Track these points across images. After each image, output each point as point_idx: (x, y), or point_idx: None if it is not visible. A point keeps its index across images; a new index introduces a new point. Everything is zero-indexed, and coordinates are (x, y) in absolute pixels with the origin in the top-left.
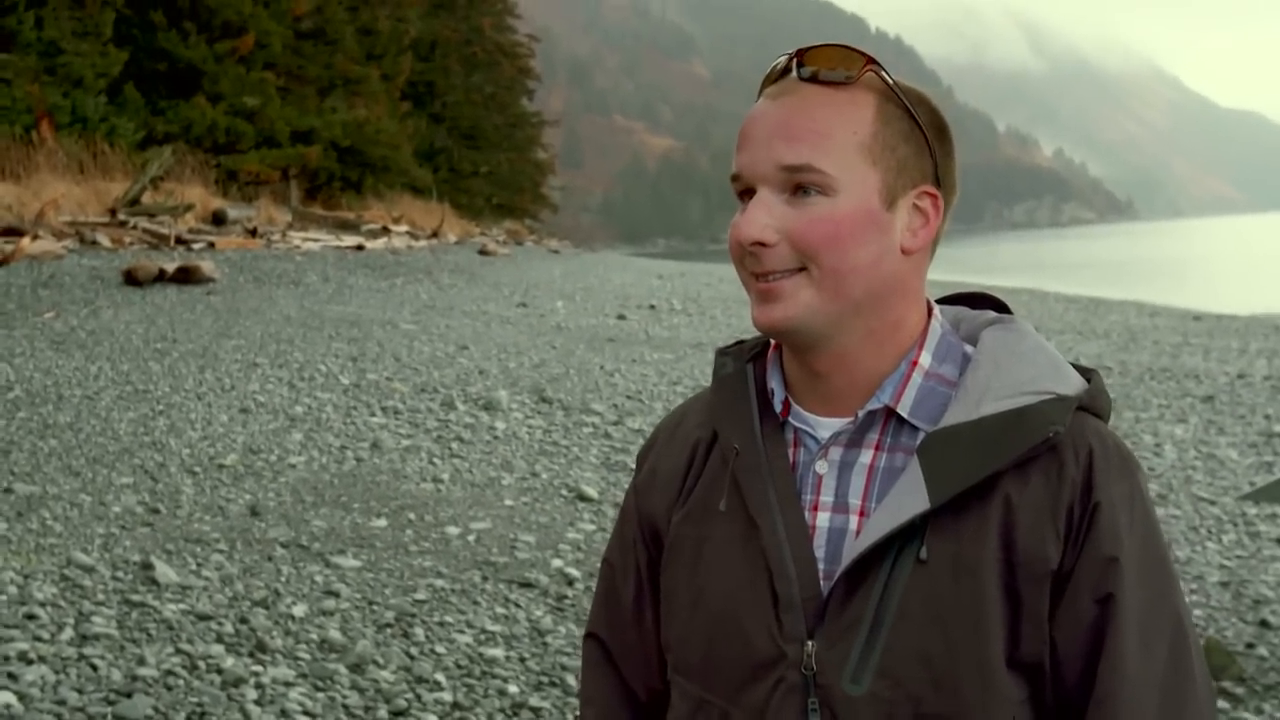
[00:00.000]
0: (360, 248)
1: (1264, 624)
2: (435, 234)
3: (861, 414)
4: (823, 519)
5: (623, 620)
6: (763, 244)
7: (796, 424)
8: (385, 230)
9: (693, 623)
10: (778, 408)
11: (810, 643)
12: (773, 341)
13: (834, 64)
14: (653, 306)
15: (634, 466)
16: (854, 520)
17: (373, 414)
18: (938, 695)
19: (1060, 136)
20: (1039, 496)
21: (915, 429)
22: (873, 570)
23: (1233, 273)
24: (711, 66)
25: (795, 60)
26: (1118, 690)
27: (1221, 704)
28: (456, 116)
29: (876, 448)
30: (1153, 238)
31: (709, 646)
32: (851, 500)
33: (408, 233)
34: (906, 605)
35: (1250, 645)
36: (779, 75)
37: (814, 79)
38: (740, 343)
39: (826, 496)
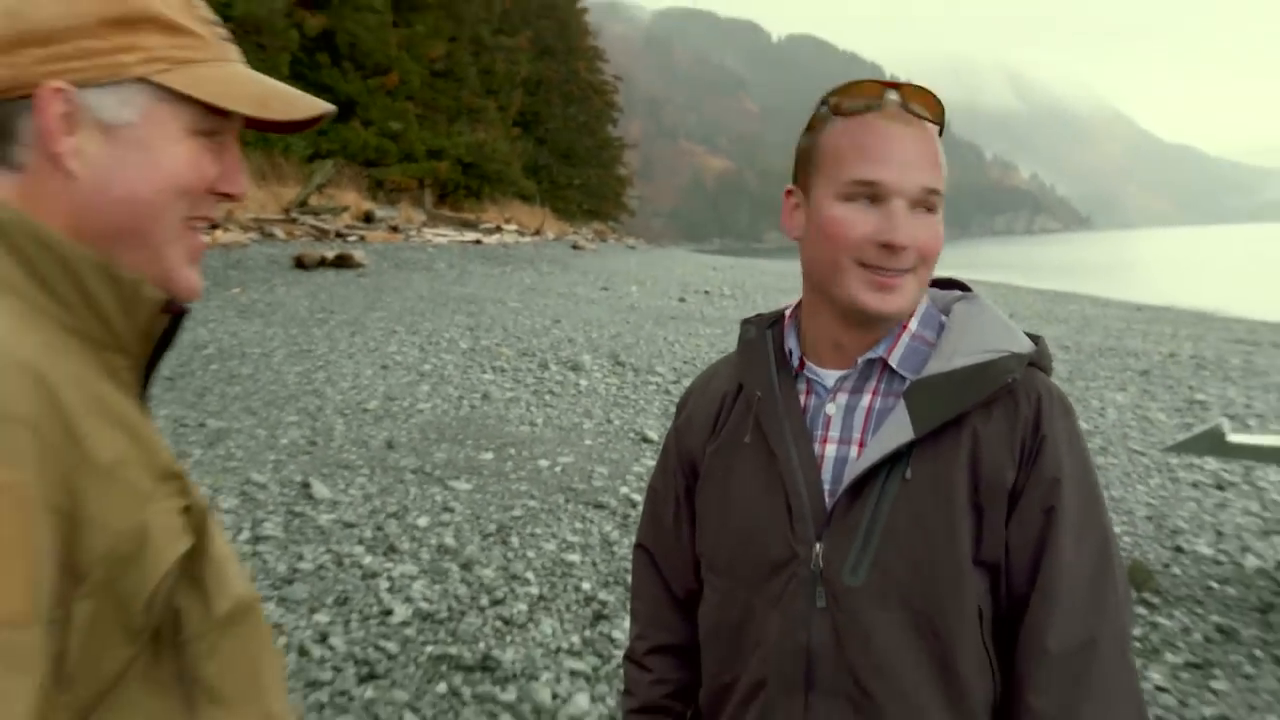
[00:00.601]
0: (478, 242)
1: (1178, 549)
2: (538, 232)
3: (861, 361)
4: (830, 450)
5: (665, 534)
6: (905, 248)
7: (810, 376)
8: (498, 229)
9: (722, 532)
10: (794, 363)
11: (818, 545)
12: (788, 312)
13: (933, 109)
14: (707, 292)
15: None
16: (854, 450)
17: (484, 372)
18: (920, 586)
19: (1035, 163)
20: (999, 430)
21: (904, 379)
22: (869, 487)
23: (1170, 273)
24: (759, 102)
25: (900, 96)
26: (1056, 580)
27: (1142, 610)
28: (556, 140)
29: (874, 393)
30: (1107, 245)
31: (736, 550)
32: (854, 435)
33: (516, 231)
34: (895, 514)
35: (1166, 565)
36: (879, 101)
37: (915, 114)
38: (759, 315)
39: (834, 432)
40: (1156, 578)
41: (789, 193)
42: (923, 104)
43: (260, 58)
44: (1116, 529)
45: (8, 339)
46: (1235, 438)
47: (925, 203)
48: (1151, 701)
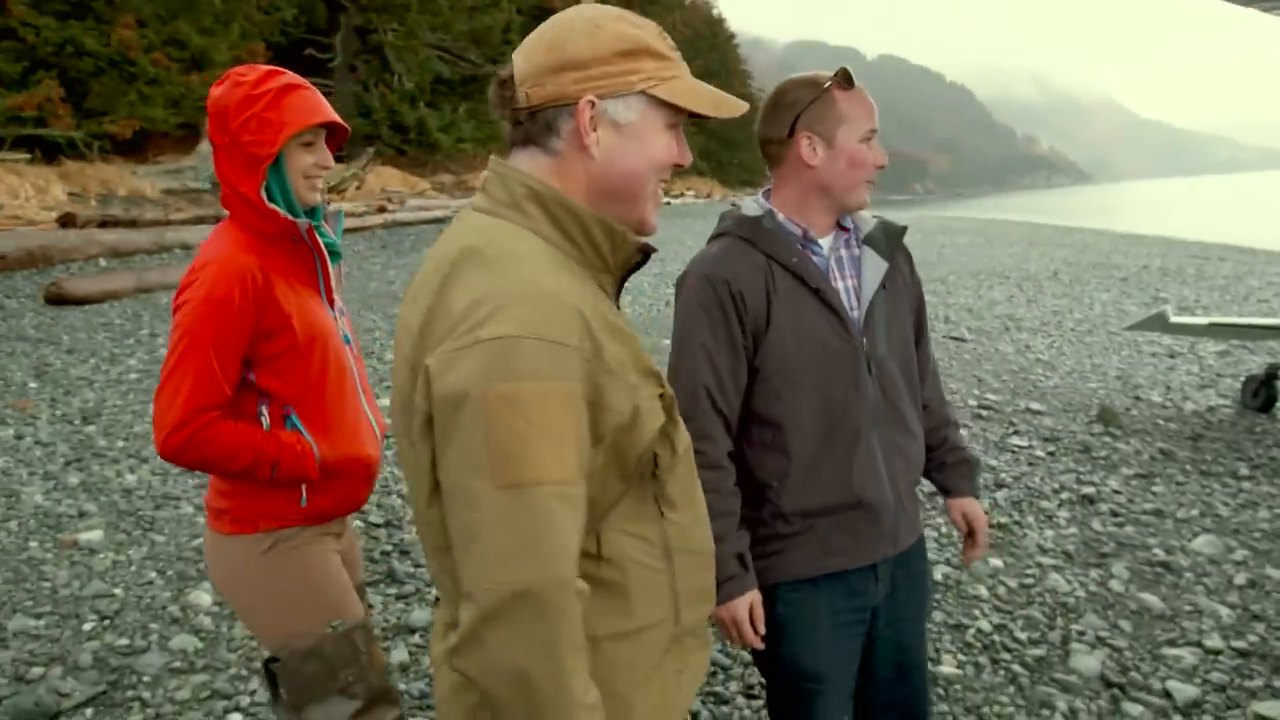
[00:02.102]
0: (668, 203)
1: (1137, 398)
2: (709, 195)
3: (845, 232)
4: (839, 284)
5: (723, 372)
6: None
7: (812, 244)
8: (682, 194)
9: (803, 347)
10: (802, 238)
11: (863, 339)
12: (773, 207)
13: None
14: None
15: (713, 293)
16: (850, 282)
17: (668, 287)
18: (905, 349)
19: (1052, 138)
20: (904, 259)
21: (852, 237)
22: (874, 299)
23: (1147, 212)
24: None
25: (849, 75)
26: (928, 339)
27: (1107, 439)
28: (720, 134)
29: (846, 248)
30: (1102, 194)
31: (815, 355)
32: (846, 273)
33: (693, 195)
34: (887, 310)
35: (1128, 409)
36: (851, 81)
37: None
38: (753, 215)
39: (838, 274)
40: (1120, 417)
41: (805, 138)
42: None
43: (480, 61)
44: (1093, 385)
45: (559, 286)
46: (1175, 319)
47: None
48: (1109, 499)
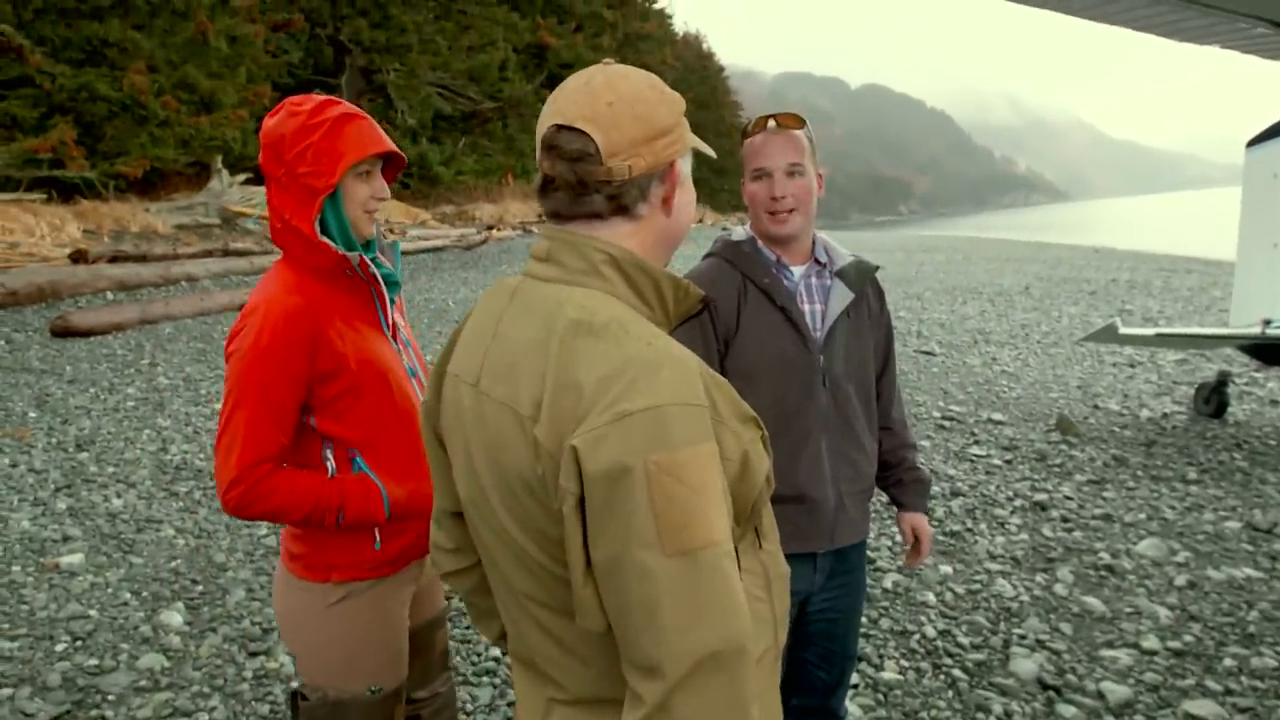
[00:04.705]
0: None
1: (1095, 407)
2: (701, 220)
3: (815, 262)
4: (806, 308)
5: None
6: (783, 198)
7: (784, 270)
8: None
9: (765, 358)
10: (775, 263)
11: (821, 356)
12: (751, 235)
13: (794, 124)
14: None
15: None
16: (818, 307)
17: None
18: (862, 370)
19: (1029, 159)
20: (873, 294)
21: (826, 269)
22: (836, 323)
23: (1118, 228)
24: (842, 129)
25: (775, 121)
26: (893, 369)
27: (1064, 447)
28: (712, 163)
29: (818, 277)
30: (1077, 211)
31: (775, 366)
32: (815, 298)
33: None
34: (848, 336)
35: (1085, 418)
36: (764, 127)
37: (783, 127)
38: (737, 240)
39: (806, 298)
40: (1077, 425)
41: (743, 183)
42: (786, 122)
43: (520, 123)
44: (1054, 395)
45: (672, 347)
46: (1125, 330)
47: (792, 171)
48: (1060, 505)
